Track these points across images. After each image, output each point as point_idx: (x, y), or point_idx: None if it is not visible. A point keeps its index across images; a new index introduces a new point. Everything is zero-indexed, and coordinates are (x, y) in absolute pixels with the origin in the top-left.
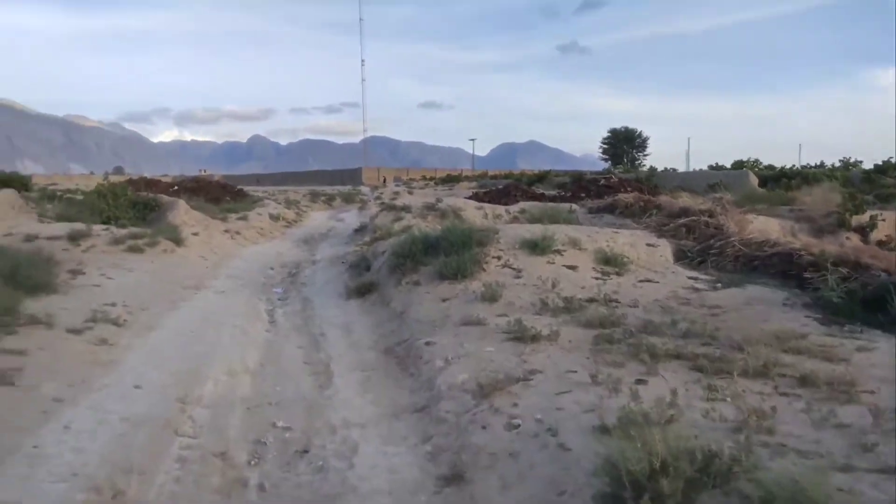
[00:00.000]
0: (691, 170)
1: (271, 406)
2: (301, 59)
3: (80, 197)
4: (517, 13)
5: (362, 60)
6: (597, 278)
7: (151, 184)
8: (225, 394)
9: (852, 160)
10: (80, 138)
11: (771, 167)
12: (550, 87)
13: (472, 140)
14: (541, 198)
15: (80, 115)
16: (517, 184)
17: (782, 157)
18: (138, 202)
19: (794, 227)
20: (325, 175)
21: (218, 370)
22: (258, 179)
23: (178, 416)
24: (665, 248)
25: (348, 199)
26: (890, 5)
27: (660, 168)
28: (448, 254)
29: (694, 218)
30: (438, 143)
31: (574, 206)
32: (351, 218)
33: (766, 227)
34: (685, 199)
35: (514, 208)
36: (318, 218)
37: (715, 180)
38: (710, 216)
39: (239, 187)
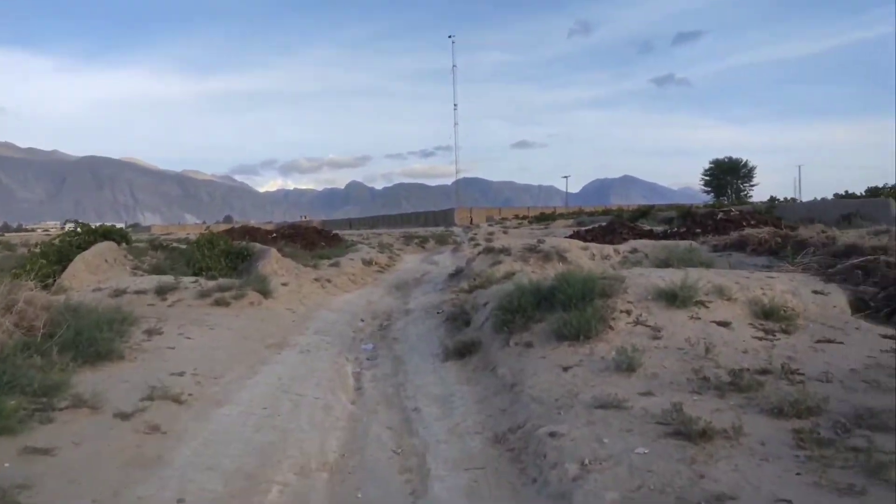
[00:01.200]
0: (813, 199)
1: None
2: (398, 108)
3: (184, 246)
4: (611, 50)
5: (455, 105)
6: (760, 338)
7: (251, 231)
8: None
9: None
10: (195, 191)
11: None
12: (645, 120)
13: (566, 177)
14: (650, 234)
15: (194, 170)
16: (622, 220)
17: None
18: (231, 252)
19: None
20: (418, 217)
21: (287, 468)
22: (350, 223)
23: None
24: (838, 296)
25: (441, 240)
26: None
27: (766, 199)
28: (566, 307)
29: (871, 257)
30: (530, 182)
31: (693, 243)
32: (445, 260)
33: None
34: (837, 233)
35: (624, 247)
36: (411, 261)
37: (849, 210)
38: (884, 253)
39: (334, 232)
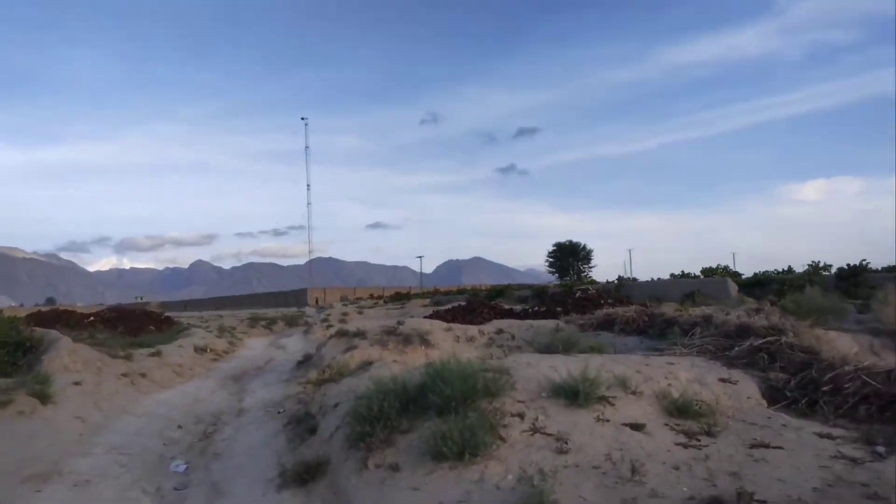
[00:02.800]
0: (651, 279)
1: None
2: (248, 186)
3: None
4: (458, 140)
5: (308, 185)
6: (684, 444)
7: (63, 315)
8: None
9: (821, 264)
10: (12, 270)
11: (737, 274)
12: (492, 206)
13: (420, 257)
14: (510, 314)
15: (12, 248)
16: (482, 300)
17: (719, 263)
18: (6, 343)
19: (873, 344)
20: (269, 297)
21: None
22: (185, 305)
23: None
24: (748, 385)
25: (291, 321)
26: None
27: (604, 279)
28: (441, 412)
29: (770, 339)
30: (384, 262)
31: (559, 322)
32: (294, 344)
33: (840, 344)
34: (704, 311)
35: (489, 328)
36: (255, 346)
37: (692, 289)
38: (780, 334)
39: (166, 315)
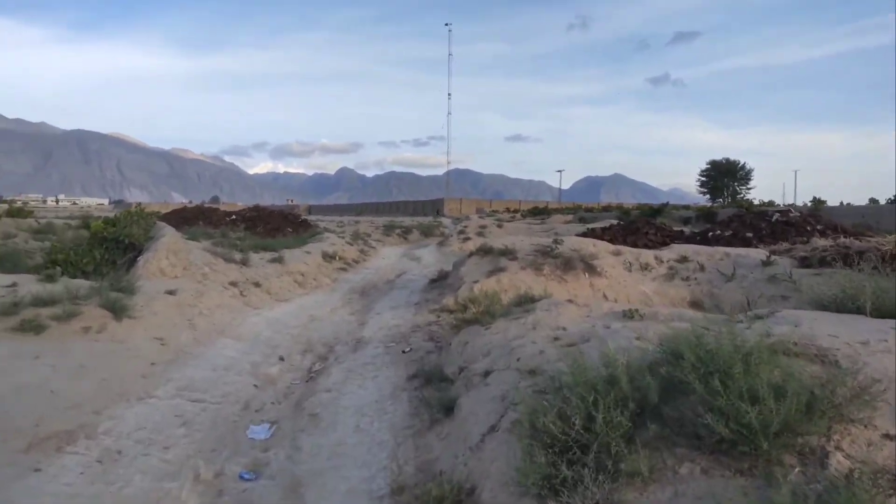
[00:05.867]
0: (864, 204)
1: None
2: (391, 95)
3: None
4: (608, 47)
5: (449, 94)
6: None
7: (207, 212)
8: None
9: None
10: (183, 169)
11: None
12: (639, 120)
13: (560, 171)
14: (681, 236)
15: (184, 149)
16: (646, 219)
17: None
18: (110, 239)
19: None
20: (408, 206)
21: None
22: (310, 210)
23: None
24: None
25: (427, 231)
26: None
27: (761, 201)
28: (727, 447)
29: None
30: (520, 176)
31: (775, 257)
32: (429, 256)
33: None
34: None
35: (667, 254)
36: (388, 256)
37: None
38: None
39: (303, 217)
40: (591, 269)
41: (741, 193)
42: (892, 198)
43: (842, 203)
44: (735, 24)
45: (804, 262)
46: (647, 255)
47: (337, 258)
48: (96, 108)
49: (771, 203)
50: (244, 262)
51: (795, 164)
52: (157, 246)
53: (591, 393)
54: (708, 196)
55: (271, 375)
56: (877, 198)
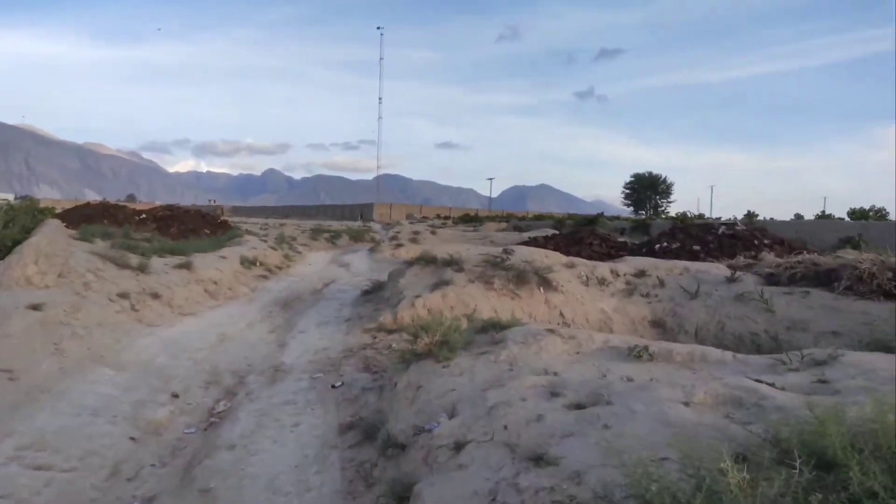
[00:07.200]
0: (782, 220)
1: None
2: (322, 97)
3: None
4: (536, 59)
5: (380, 98)
6: None
7: (112, 209)
8: None
9: None
10: (97, 166)
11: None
12: (564, 132)
13: (491, 179)
14: (625, 248)
15: (98, 143)
16: (590, 229)
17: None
18: None
19: None
20: (336, 210)
21: None
22: (219, 210)
23: None
24: None
25: (357, 236)
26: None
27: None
28: None
29: None
30: (449, 183)
31: (739, 274)
32: (359, 263)
33: None
34: None
35: (623, 267)
36: (315, 262)
37: (852, 233)
38: None
39: (224, 219)
40: (546, 283)
41: (662, 206)
42: (821, 213)
43: (769, 218)
44: (656, 44)
45: (771, 280)
46: (603, 268)
47: (257, 264)
48: (1, 97)
49: (700, 216)
50: (142, 269)
51: (710, 180)
52: (22, 248)
53: None
54: (632, 208)
55: (158, 421)
56: (802, 213)
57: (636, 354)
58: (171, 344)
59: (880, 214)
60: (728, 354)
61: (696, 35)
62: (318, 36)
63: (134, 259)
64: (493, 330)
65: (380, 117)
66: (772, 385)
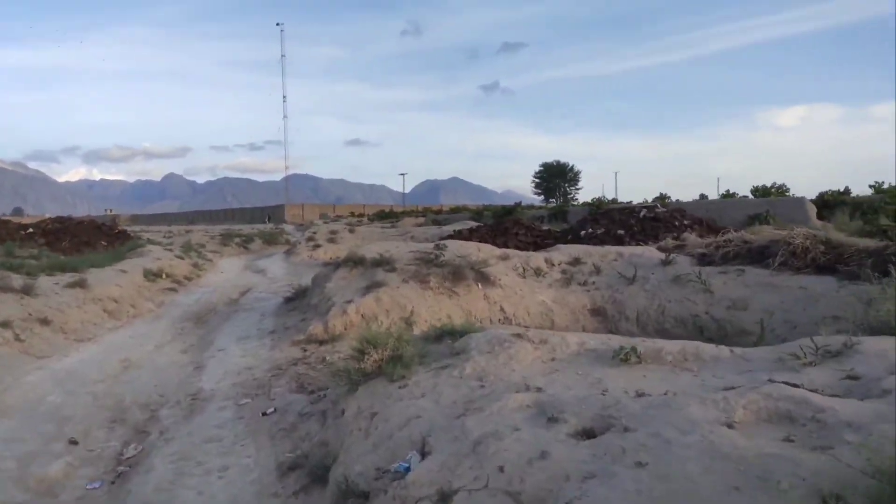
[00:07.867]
0: (696, 199)
1: None
2: (222, 97)
3: None
4: (440, 54)
5: (284, 97)
6: None
7: None
8: None
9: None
10: None
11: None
12: (472, 125)
13: (403, 175)
14: (550, 235)
15: None
16: (516, 219)
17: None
18: None
19: None
20: (245, 213)
21: None
22: (113, 218)
23: None
24: None
25: (271, 240)
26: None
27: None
28: None
29: None
30: (361, 181)
31: (673, 255)
32: (276, 268)
33: None
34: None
35: (558, 256)
36: (228, 269)
37: (760, 210)
38: None
39: (122, 228)
40: (483, 278)
41: (571, 194)
42: (725, 192)
43: (675, 200)
44: (557, 37)
45: (704, 260)
46: (537, 257)
47: (163, 276)
48: None
49: (614, 200)
50: (27, 291)
51: (613, 167)
52: None
53: None
54: (542, 196)
55: (52, 478)
56: (706, 193)
57: (623, 357)
58: (65, 377)
59: (782, 191)
60: (724, 350)
61: (594, 28)
62: (216, 33)
63: (17, 280)
64: (448, 337)
65: (285, 116)
66: (800, 387)
